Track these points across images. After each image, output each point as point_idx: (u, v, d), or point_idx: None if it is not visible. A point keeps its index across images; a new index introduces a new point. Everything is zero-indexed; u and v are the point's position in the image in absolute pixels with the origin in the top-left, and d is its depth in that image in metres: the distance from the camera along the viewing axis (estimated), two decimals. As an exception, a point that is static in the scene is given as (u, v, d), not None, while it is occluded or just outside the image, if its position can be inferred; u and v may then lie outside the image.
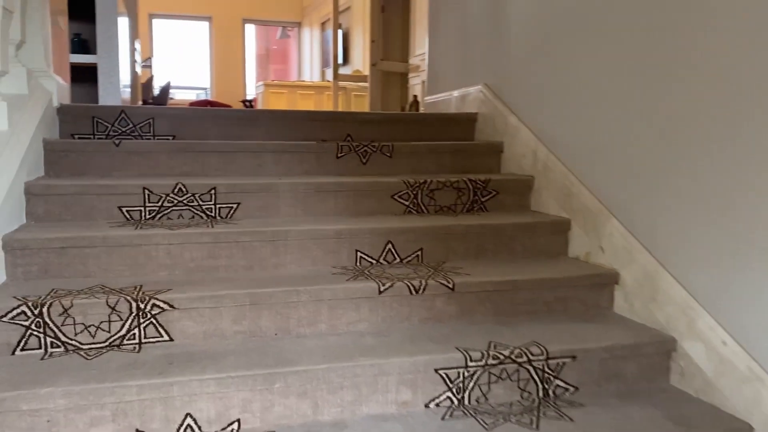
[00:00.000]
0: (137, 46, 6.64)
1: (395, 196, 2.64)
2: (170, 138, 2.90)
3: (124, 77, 5.06)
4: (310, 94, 9.53)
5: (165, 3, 13.06)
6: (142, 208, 2.35)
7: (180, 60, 15.49)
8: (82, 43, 4.76)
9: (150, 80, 8.88)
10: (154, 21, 13.28)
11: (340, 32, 9.86)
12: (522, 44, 2.96)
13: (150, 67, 9.74)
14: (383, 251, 2.34)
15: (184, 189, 2.38)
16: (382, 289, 2.03)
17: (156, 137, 2.89)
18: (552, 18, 2.73)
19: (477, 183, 2.74)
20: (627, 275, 2.24)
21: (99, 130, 2.82)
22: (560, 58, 2.66)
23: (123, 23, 5.13)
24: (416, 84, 7.89)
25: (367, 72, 10.62)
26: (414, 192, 2.66)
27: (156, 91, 10.04)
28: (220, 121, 2.99)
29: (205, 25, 13.64)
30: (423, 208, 2.68)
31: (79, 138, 2.79)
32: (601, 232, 2.37)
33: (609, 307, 2.31)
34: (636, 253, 2.20)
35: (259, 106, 9.50)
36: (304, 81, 10.26)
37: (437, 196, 2.69)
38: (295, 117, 3.09)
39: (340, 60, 9.78)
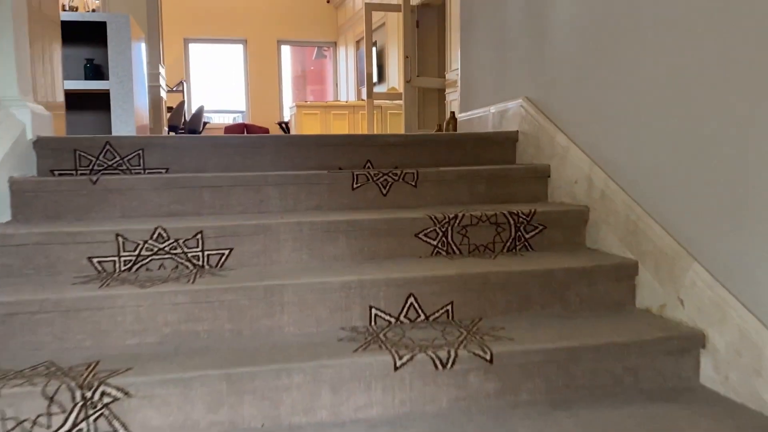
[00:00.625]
0: (161, 70, 6.41)
1: (420, 235, 2.20)
2: (163, 171, 2.54)
3: (141, 103, 4.79)
4: (343, 114, 9.22)
5: (200, 28, 13.03)
6: (116, 258, 1.97)
7: (216, 83, 15.48)
8: (95, 69, 4.50)
9: (181, 105, 8.70)
10: (190, 45, 13.25)
11: (374, 49, 9.53)
12: (570, 50, 2.50)
13: (182, 91, 9.58)
14: (404, 307, 1.90)
15: (164, 234, 1.99)
16: (398, 364, 1.59)
17: (146, 171, 2.53)
18: (608, 15, 2.26)
19: (519, 216, 2.27)
20: (717, 337, 1.73)
21: (82, 164, 2.48)
22: (620, 62, 2.19)
23: (139, 48, 4.87)
24: (454, 100, 7.45)
25: (402, 89, 10.26)
26: (443, 229, 2.21)
27: (188, 116, 9.90)
28: (220, 149, 2.61)
29: (240, 48, 13.55)
30: (454, 248, 2.22)
31: (59, 174, 2.45)
32: (680, 280, 1.87)
33: (694, 378, 1.80)
34: (729, 309, 1.69)
35: (293, 128, 9.23)
36: (338, 101, 9.94)
37: (471, 234, 2.24)
38: (307, 143, 2.69)
39: (374, 78, 9.44)
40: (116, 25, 4.34)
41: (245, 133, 12.95)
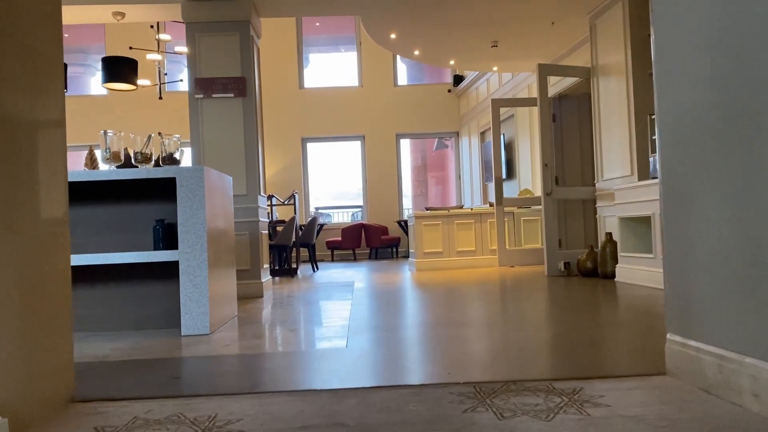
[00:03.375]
0: (261, 202, 5.57)
1: None
2: None
3: (223, 269, 3.86)
4: (469, 224, 8.01)
5: (318, 127, 12.59)
6: None
7: (333, 180, 14.99)
8: (168, 231, 3.64)
9: (291, 223, 7.92)
10: (308, 144, 12.82)
11: (502, 142, 8.33)
12: None
13: (293, 204, 8.86)
14: None
15: None
16: None
17: None
18: None
19: None
20: None
21: None
22: None
23: (225, 194, 3.99)
24: (609, 216, 6.00)
25: (537, 191, 8.93)
26: None
27: (303, 214, 9.18)
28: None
29: (358, 144, 12.94)
30: None
31: None
32: None
33: None
34: None
35: (411, 239, 8.14)
36: (461, 209, 8.77)
37: None
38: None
39: (503, 173, 8.17)
40: (188, 181, 3.47)
41: (363, 235, 12.10)
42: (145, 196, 3.82)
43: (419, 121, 12.75)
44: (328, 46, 13.96)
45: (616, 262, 5.57)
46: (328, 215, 14.43)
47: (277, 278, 7.85)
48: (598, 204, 6.24)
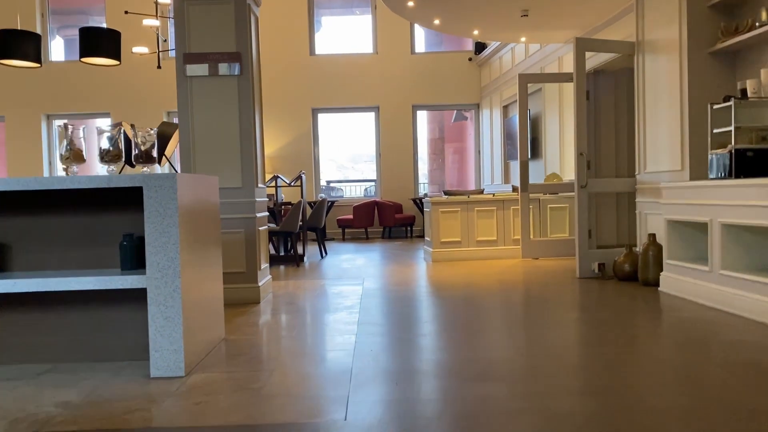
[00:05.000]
0: (258, 198, 4.95)
1: None
2: None
3: (206, 292, 3.26)
4: (490, 211, 7.33)
5: (329, 97, 11.85)
6: None
7: (345, 152, 14.29)
8: (138, 250, 3.03)
9: (298, 206, 7.30)
10: (319, 115, 12.11)
11: (528, 118, 7.59)
12: None
13: (300, 186, 8.23)
14: None
15: None
16: None
17: None
18: None
19: None
20: None
21: None
22: None
23: (199, 208, 3.37)
24: (651, 214, 5.30)
25: (565, 175, 8.20)
26: None
27: (314, 191, 8.56)
28: None
29: (372, 115, 12.20)
30: None
31: None
32: None
33: None
34: None
35: (427, 227, 7.49)
36: (482, 192, 8.10)
37: None
38: None
39: (528, 154, 7.45)
40: (157, 191, 2.84)
41: (376, 213, 11.46)
42: (112, 204, 3.20)
43: (437, 92, 11.96)
44: (341, 9, 13.11)
45: (660, 269, 4.90)
46: (340, 190, 13.79)
47: (282, 267, 7.28)
48: (639, 198, 5.54)
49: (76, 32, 13.81)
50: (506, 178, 10.62)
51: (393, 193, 11.91)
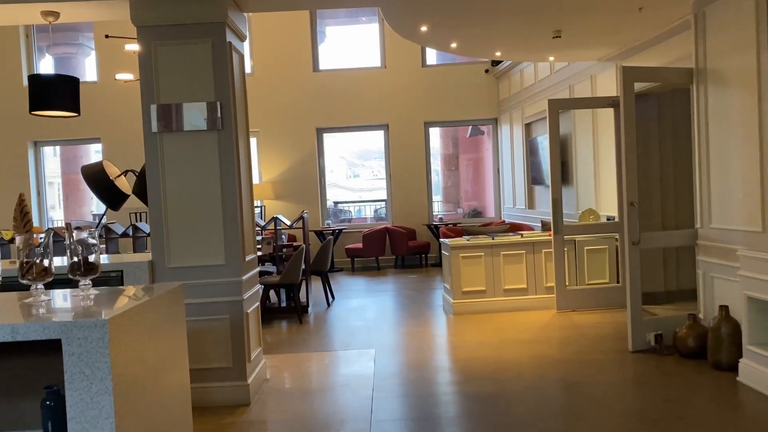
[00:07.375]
0: (248, 271, 4.11)
1: None
2: None
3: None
4: (519, 255, 6.44)
5: (335, 116, 10.98)
6: None
7: (354, 171, 13.47)
8: (62, 411, 2.18)
9: (300, 254, 6.46)
10: (324, 135, 11.25)
11: (559, 162, 6.66)
12: None
13: (302, 228, 7.38)
14: None
15: None
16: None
17: None
18: None
19: None
20: None
21: None
22: None
23: (150, 348, 2.54)
24: (720, 279, 4.40)
25: (602, 209, 7.29)
26: None
27: (322, 222, 7.70)
28: None
29: (380, 134, 11.33)
30: None
31: None
32: None
33: None
34: None
35: (446, 274, 6.62)
36: (504, 223, 7.22)
37: None
38: None
39: (561, 188, 6.53)
40: (80, 346, 2.00)
41: (387, 241, 10.58)
42: (29, 346, 2.36)
43: (451, 107, 11.06)
44: (347, 18, 12.25)
45: (737, 351, 4.01)
46: (348, 212, 12.96)
47: (283, 323, 6.45)
48: (702, 257, 4.63)
49: (67, 50, 13.00)
50: (530, 203, 9.71)
51: (406, 218, 11.03)
